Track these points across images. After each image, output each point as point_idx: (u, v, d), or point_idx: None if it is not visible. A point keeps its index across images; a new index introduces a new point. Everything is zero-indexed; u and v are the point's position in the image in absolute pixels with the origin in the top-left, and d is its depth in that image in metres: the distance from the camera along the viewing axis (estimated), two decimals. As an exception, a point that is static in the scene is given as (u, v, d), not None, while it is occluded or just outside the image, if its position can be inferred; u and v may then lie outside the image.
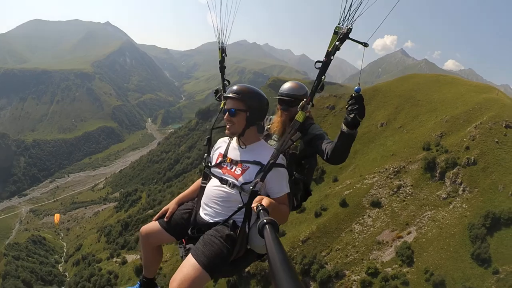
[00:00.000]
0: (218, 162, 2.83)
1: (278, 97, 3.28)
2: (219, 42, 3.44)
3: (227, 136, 2.91)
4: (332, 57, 2.50)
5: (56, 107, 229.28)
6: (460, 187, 40.04)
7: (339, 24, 2.39)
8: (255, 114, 2.65)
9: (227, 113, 2.68)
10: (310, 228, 43.37)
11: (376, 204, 43.30)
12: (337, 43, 2.43)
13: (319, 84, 2.59)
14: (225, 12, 3.14)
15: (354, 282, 35.70)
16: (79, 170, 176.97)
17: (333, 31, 2.45)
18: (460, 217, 36.85)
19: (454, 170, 41.67)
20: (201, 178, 3.01)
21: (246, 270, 40.00)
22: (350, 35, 2.43)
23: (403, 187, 43.98)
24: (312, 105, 2.69)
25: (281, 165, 2.60)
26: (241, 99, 2.60)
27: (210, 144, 3.08)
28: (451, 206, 38.79)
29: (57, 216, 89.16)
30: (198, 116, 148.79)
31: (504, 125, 43.27)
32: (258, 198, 2.27)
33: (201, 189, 2.92)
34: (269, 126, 3.37)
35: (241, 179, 2.60)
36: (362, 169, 51.09)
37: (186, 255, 2.55)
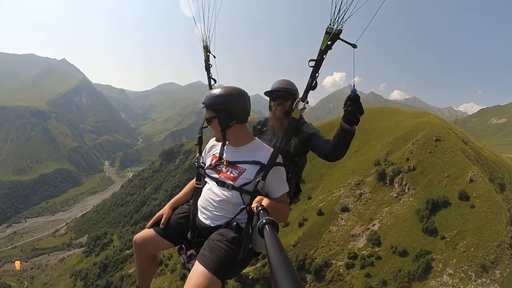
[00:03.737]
0: (214, 164, 2.74)
1: (271, 89, 3.32)
2: (202, 40, 3.43)
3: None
4: (324, 56, 2.50)
5: (11, 146, 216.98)
6: (405, 187, 50.54)
7: (330, 25, 2.43)
8: (225, 117, 2.57)
9: None
10: (297, 235, 50.93)
11: (345, 209, 52.70)
12: (329, 42, 2.45)
13: (312, 82, 2.57)
14: (207, 5, 3.12)
15: (340, 266, 44.00)
16: (36, 215, 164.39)
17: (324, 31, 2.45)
18: (409, 207, 47.09)
19: (400, 176, 52.19)
20: (194, 179, 2.97)
21: (250, 277, 46.94)
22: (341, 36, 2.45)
23: (364, 194, 53.88)
24: (307, 102, 2.70)
25: (280, 164, 2.59)
26: (208, 107, 2.60)
27: (201, 143, 2.96)
28: (401, 201, 49.16)
29: (17, 263, 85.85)
30: (162, 157, 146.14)
31: (434, 139, 55.00)
32: (258, 198, 2.31)
33: (196, 190, 2.86)
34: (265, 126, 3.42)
35: (238, 181, 2.55)
36: (330, 186, 60.68)
37: (188, 262, 2.61)
